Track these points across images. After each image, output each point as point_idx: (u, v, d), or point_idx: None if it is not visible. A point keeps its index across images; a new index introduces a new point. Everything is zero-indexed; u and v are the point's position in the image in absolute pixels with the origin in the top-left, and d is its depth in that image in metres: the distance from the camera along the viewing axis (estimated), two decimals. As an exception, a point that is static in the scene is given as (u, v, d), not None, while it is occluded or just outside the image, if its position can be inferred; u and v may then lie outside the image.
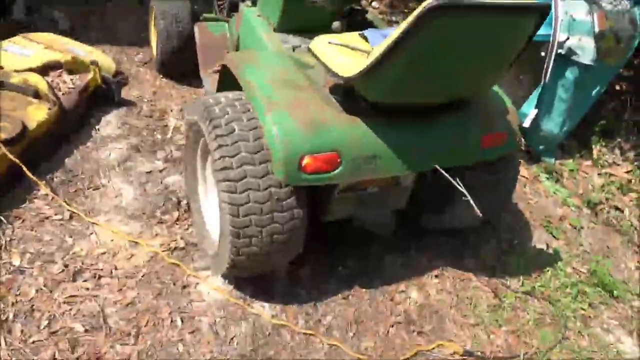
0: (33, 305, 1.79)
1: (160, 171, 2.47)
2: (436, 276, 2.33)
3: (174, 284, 1.99)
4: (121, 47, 3.28)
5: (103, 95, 2.69)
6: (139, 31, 3.44)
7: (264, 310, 1.97)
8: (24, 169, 2.09)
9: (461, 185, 1.81)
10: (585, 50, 2.81)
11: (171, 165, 2.51)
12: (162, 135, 2.68)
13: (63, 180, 2.27)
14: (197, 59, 2.71)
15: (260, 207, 1.67)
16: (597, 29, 2.84)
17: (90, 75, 2.63)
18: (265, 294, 2.02)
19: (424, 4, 1.35)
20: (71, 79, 2.60)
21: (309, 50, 1.84)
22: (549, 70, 2.86)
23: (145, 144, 2.58)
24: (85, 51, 2.78)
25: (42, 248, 1.98)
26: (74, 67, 2.65)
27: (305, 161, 1.62)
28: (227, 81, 2.01)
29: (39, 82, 2.45)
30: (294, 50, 2.25)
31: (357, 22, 2.50)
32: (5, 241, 1.97)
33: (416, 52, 1.46)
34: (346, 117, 1.72)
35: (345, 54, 1.72)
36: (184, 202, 2.32)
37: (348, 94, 1.78)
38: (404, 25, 1.40)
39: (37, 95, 2.37)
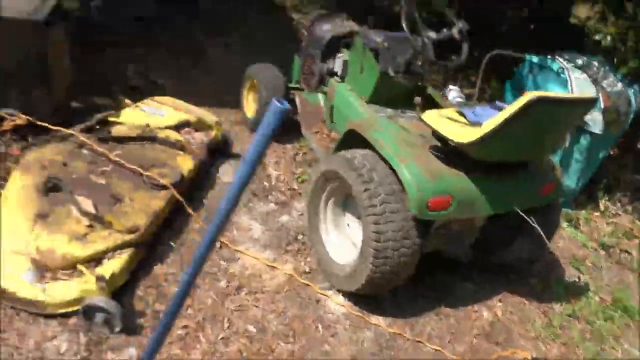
0: (213, 311, 2.30)
1: (274, 212, 3.05)
2: (499, 300, 2.92)
3: (309, 299, 2.52)
4: (214, 108, 3.91)
5: (220, 149, 3.29)
6: (222, 95, 4.10)
7: (380, 321, 2.51)
8: (186, 206, 2.64)
9: (534, 221, 2.45)
10: (596, 122, 3.56)
11: (281, 207, 3.09)
12: (268, 183, 3.27)
13: (207, 217, 2.82)
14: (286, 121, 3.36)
15: (395, 235, 2.26)
16: (602, 106, 3.61)
17: (214, 133, 3.24)
18: (378, 309, 2.57)
19: (528, 96, 2.03)
20: (199, 136, 3.20)
21: (421, 120, 2.50)
22: (568, 138, 3.61)
23: (258, 189, 3.17)
24: (201, 112, 3.39)
25: (206, 269, 2.50)
26: (199, 125, 3.25)
27: (431, 202, 2.23)
28: (348, 140, 2.67)
29: (179, 137, 3.05)
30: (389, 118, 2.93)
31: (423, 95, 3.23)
32: (180, 259, 2.50)
33: (518, 128, 2.13)
34: (453, 169, 2.36)
35: (453, 124, 2.38)
36: (299, 236, 2.89)
37: (452, 153, 2.41)
38: (511, 109, 2.07)
39: (182, 148, 2.96)
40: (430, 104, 3.16)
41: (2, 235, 2.18)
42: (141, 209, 2.48)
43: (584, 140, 3.66)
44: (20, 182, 2.43)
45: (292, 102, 3.58)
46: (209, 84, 4.17)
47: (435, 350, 2.45)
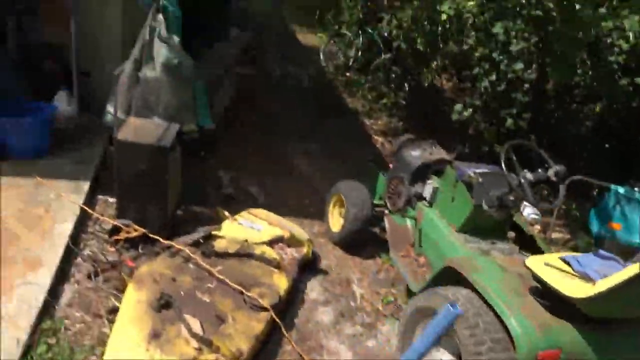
0: None
1: (361, 335, 3.06)
2: None
3: None
4: (299, 218, 4.09)
5: (309, 265, 3.41)
6: (306, 205, 4.30)
7: None
8: (283, 330, 2.71)
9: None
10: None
11: (367, 330, 3.11)
12: (354, 302, 3.32)
13: (298, 338, 2.87)
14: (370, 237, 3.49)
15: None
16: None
17: (305, 250, 3.38)
18: None
19: None
20: (290, 252, 3.34)
21: (525, 266, 2.52)
22: None
23: (345, 309, 3.22)
24: (293, 227, 3.56)
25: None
26: (292, 241, 3.41)
27: (540, 355, 2.20)
28: (442, 274, 2.71)
29: (274, 254, 3.19)
30: (482, 253, 2.97)
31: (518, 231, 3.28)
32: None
33: (636, 290, 2.12)
34: (561, 319, 2.33)
35: (560, 275, 2.39)
36: (387, 364, 2.88)
37: (556, 300, 2.39)
38: (631, 272, 2.07)
39: (278, 266, 3.09)
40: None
41: (119, 351, 2.32)
42: (244, 331, 2.57)
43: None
44: (135, 297, 2.59)
45: (375, 217, 3.74)
46: (295, 193, 4.40)
47: None
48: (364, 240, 3.79)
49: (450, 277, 2.69)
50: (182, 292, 2.71)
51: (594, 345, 2.31)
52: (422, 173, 3.57)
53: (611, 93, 4.92)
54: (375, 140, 6.32)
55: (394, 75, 6.82)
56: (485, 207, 3.04)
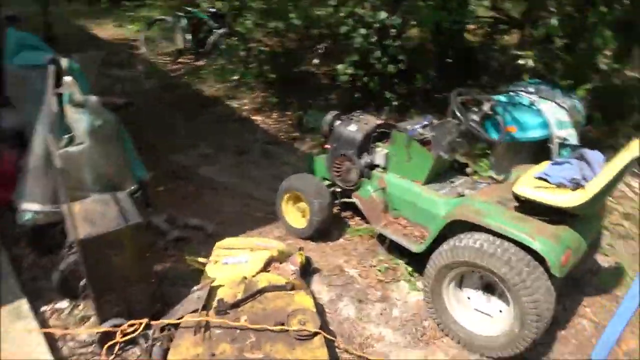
0: None
1: (385, 310, 3.22)
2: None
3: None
4: (256, 231, 3.93)
5: (306, 270, 3.38)
6: (253, 217, 4.13)
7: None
8: (335, 341, 2.70)
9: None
10: (572, 136, 4.33)
11: (386, 303, 3.27)
12: (358, 284, 3.42)
13: (347, 342, 2.90)
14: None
15: (546, 298, 2.61)
16: (571, 121, 4.38)
17: (299, 259, 3.30)
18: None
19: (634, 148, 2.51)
20: (285, 267, 3.24)
21: (514, 194, 2.89)
22: (555, 153, 4.31)
23: (357, 295, 3.31)
24: (273, 243, 3.43)
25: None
26: (282, 257, 3.29)
27: (563, 260, 2.63)
28: (448, 228, 2.97)
29: (279, 278, 3.07)
30: (459, 195, 3.29)
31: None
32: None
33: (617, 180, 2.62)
34: (559, 227, 2.77)
35: (547, 191, 2.79)
36: (425, 322, 3.11)
37: (545, 212, 2.83)
38: (619, 165, 2.53)
39: (292, 287, 2.99)
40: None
41: None
42: (315, 366, 2.51)
43: (565, 153, 4.40)
44: (192, 393, 2.31)
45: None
46: (233, 207, 4.17)
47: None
48: (329, 226, 3.85)
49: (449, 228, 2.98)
50: (231, 362, 2.49)
51: (580, 238, 2.82)
52: (365, 144, 3.70)
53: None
54: (255, 120, 6.18)
55: (243, 50, 6.59)
56: (444, 155, 3.33)
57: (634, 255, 3.96)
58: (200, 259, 3.25)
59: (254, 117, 6.21)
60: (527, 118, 4.19)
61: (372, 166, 3.70)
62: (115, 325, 2.64)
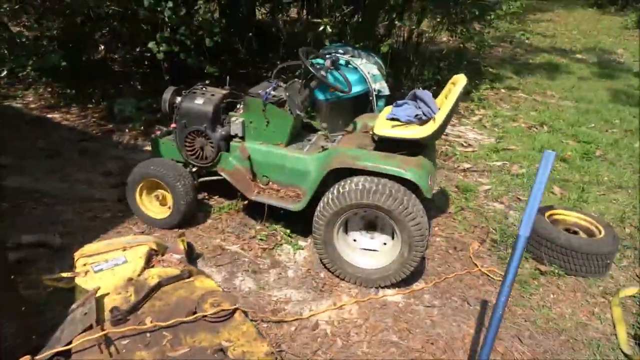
0: None
1: (278, 275, 3.22)
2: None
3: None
4: (115, 230, 3.43)
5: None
6: (104, 217, 3.58)
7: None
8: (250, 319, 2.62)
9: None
10: (385, 88, 4.92)
11: (275, 268, 3.27)
12: (246, 258, 3.32)
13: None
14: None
15: (424, 219, 2.98)
16: (381, 75, 4.98)
17: (182, 245, 3.01)
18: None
19: (461, 79, 3.01)
20: (169, 258, 2.94)
21: (376, 135, 3.17)
22: (375, 104, 4.85)
23: (248, 268, 3.23)
24: (143, 237, 3.05)
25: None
26: (160, 248, 2.97)
27: (430, 183, 3.03)
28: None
29: (168, 270, 2.78)
30: (323, 149, 3.45)
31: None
32: None
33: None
34: (416, 158, 3.15)
35: (400, 128, 3.16)
36: (321, 274, 3.22)
37: (399, 146, 3.20)
38: (453, 98, 2.99)
39: (189, 275, 2.74)
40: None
41: None
42: (248, 340, 2.39)
43: (381, 104, 4.99)
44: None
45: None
46: (77, 214, 3.53)
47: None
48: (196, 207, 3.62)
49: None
50: (156, 368, 2.19)
51: (431, 163, 3.26)
52: (217, 116, 3.55)
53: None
54: (52, 118, 5.25)
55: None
56: (302, 114, 3.44)
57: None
58: (63, 274, 2.71)
59: (50, 115, 5.28)
60: (348, 76, 4.60)
61: (228, 137, 3.58)
62: (-15, 378, 2.04)
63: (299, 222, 3.65)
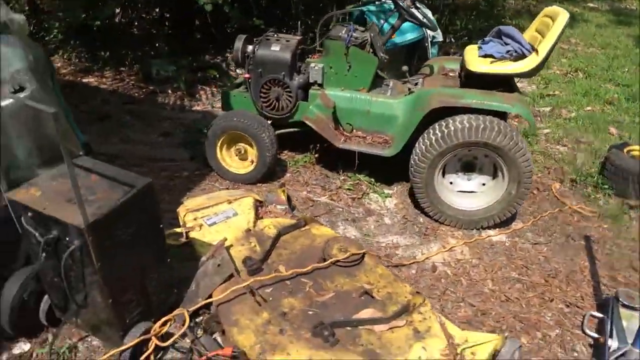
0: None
1: (379, 221, 3.14)
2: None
3: (491, 247, 2.99)
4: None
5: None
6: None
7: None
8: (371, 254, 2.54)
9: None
10: (439, 34, 4.76)
11: (378, 220, 3.19)
12: (344, 207, 3.23)
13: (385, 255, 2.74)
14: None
15: (529, 155, 2.90)
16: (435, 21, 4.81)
17: (283, 196, 2.91)
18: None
19: (564, 14, 2.89)
20: (275, 209, 2.83)
21: (472, 73, 3.06)
22: (430, 51, 4.70)
23: (352, 215, 3.14)
24: (241, 192, 2.94)
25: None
26: (260, 200, 2.86)
27: (533, 119, 2.96)
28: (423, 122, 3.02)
29: (282, 220, 2.69)
30: (410, 91, 3.32)
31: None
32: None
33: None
34: (514, 94, 3.03)
35: (503, 64, 3.03)
36: (421, 219, 3.16)
37: (495, 83, 3.10)
38: (556, 31, 2.87)
39: (305, 223, 2.66)
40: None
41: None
42: (387, 279, 2.32)
43: (434, 50, 4.84)
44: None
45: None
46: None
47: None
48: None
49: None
50: (311, 312, 2.11)
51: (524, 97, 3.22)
52: (294, 63, 3.37)
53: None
54: (88, 82, 4.97)
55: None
56: (384, 56, 3.29)
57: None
58: (177, 230, 2.57)
59: (85, 80, 5.01)
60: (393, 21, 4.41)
61: (306, 85, 3.42)
62: (146, 332, 1.92)
63: (379, 171, 3.55)
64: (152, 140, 3.94)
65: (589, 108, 5.20)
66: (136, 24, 6.28)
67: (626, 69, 6.50)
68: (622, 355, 2.08)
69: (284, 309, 2.13)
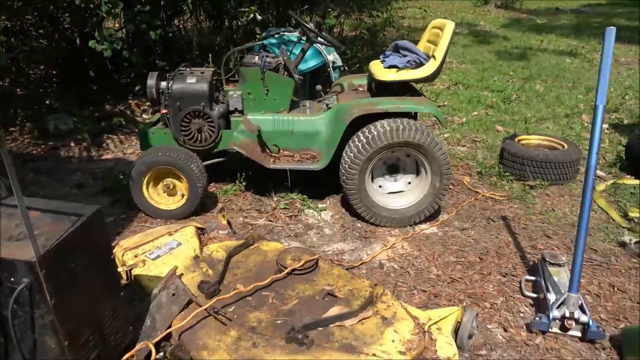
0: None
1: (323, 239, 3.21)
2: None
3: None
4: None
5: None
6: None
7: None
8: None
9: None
10: (338, 59, 5.07)
11: (311, 230, 3.25)
12: (277, 223, 3.24)
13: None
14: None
15: (445, 149, 3.20)
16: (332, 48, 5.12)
17: (224, 220, 2.86)
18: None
19: (450, 24, 3.27)
20: (216, 235, 2.77)
21: (382, 83, 3.31)
22: (332, 75, 4.97)
23: (292, 232, 3.15)
24: (170, 226, 2.82)
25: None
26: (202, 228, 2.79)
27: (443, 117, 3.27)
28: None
29: (228, 242, 2.63)
30: (327, 107, 3.49)
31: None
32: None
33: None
34: (419, 97, 3.36)
35: (408, 72, 3.32)
36: (358, 224, 3.27)
37: (402, 89, 3.39)
38: (446, 40, 3.24)
39: (252, 242, 2.62)
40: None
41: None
42: (348, 280, 2.37)
43: (336, 74, 5.13)
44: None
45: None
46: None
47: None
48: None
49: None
50: (279, 321, 2.09)
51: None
52: (212, 94, 3.40)
53: None
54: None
55: None
56: (299, 78, 3.45)
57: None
58: (117, 269, 2.41)
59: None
60: (298, 50, 4.67)
61: (226, 114, 3.45)
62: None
63: (310, 188, 3.65)
64: (65, 192, 3.67)
65: (475, 113, 5.82)
66: (20, 83, 5.90)
67: (495, 78, 7.41)
68: (562, 303, 2.33)
69: (251, 324, 2.08)
